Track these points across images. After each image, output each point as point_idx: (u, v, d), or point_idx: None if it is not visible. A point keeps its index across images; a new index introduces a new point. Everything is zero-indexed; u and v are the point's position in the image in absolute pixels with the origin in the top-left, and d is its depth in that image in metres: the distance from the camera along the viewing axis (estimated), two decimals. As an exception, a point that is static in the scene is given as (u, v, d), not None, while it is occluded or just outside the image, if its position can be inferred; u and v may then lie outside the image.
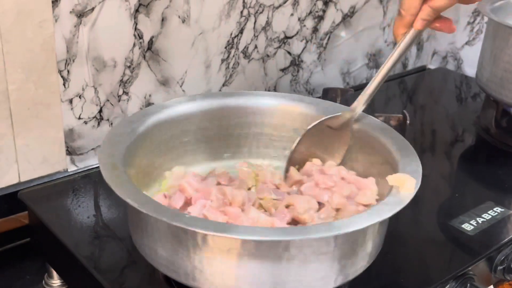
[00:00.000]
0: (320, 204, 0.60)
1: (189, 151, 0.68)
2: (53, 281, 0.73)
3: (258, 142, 0.71)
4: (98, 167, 0.79)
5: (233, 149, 0.71)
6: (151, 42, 0.81)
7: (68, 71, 0.75)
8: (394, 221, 0.69)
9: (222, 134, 0.70)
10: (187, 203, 0.59)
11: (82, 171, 0.80)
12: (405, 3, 0.58)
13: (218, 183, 0.62)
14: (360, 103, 0.65)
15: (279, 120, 0.70)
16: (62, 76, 0.75)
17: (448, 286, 0.64)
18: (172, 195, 0.60)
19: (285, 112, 0.70)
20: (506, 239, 0.70)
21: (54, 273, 0.73)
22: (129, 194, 0.50)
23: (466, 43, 1.19)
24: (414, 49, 1.22)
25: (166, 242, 0.51)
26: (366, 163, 0.65)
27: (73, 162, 0.81)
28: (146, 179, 0.63)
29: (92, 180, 0.79)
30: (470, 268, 0.65)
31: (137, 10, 0.78)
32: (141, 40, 0.80)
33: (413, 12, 0.58)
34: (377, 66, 1.15)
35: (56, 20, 0.72)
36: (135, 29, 0.79)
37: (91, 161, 0.82)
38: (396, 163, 0.59)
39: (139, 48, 0.80)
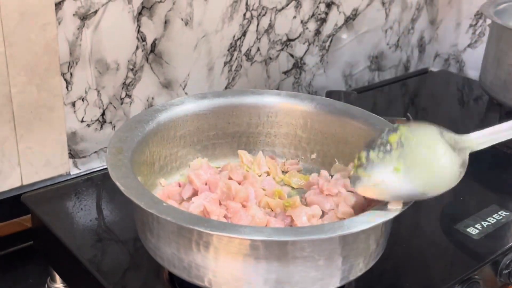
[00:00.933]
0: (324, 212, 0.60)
1: (216, 144, 0.68)
2: (56, 285, 0.73)
3: (264, 140, 0.70)
4: (100, 170, 0.80)
5: (261, 147, 0.70)
6: (154, 44, 0.81)
7: (71, 74, 0.75)
8: (397, 225, 0.69)
9: (229, 132, 0.69)
10: (195, 194, 0.60)
11: (84, 174, 0.80)
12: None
13: (230, 178, 0.63)
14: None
15: (283, 118, 0.69)
16: (65, 79, 0.75)
17: (453, 290, 0.64)
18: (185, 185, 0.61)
19: (290, 111, 0.69)
20: (511, 243, 0.70)
21: (57, 277, 0.73)
22: (120, 178, 0.50)
23: (469, 46, 1.19)
24: (416, 52, 1.22)
25: (175, 241, 0.51)
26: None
27: (75, 165, 0.81)
28: (168, 168, 0.64)
29: (94, 183, 0.79)
30: (475, 273, 0.65)
31: (140, 13, 0.78)
32: (144, 43, 0.80)
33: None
34: (379, 68, 1.15)
35: (59, 23, 0.72)
36: (138, 31, 0.79)
37: (93, 164, 0.82)
38: None
39: (142, 51, 0.80)
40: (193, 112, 0.66)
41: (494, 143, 0.56)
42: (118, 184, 0.51)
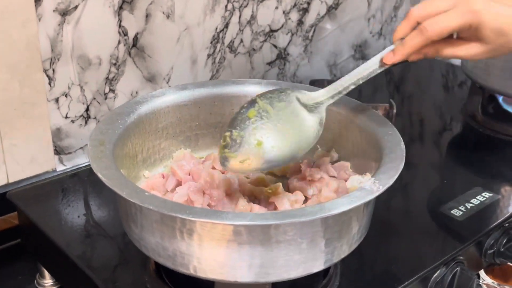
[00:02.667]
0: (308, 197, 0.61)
1: (199, 135, 0.69)
2: (45, 281, 0.73)
3: None
4: (86, 165, 0.81)
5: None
6: (136, 38, 0.81)
7: (53, 70, 0.75)
8: (384, 209, 0.71)
9: (211, 122, 0.69)
10: (179, 185, 0.60)
11: (70, 170, 0.80)
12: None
13: (213, 168, 0.63)
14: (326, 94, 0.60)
15: None
16: (47, 75, 0.75)
17: (438, 271, 0.65)
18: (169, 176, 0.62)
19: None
20: (495, 224, 0.71)
21: (46, 273, 0.73)
22: (101, 169, 0.51)
23: (452, 32, 1.19)
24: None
25: (160, 231, 0.51)
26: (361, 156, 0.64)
27: (61, 161, 0.81)
28: (151, 160, 0.65)
29: (81, 179, 0.79)
30: (460, 253, 0.66)
31: (120, 7, 0.78)
32: (125, 37, 0.80)
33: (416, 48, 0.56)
34: (363, 57, 1.16)
35: (39, 19, 0.72)
36: (120, 26, 0.79)
37: (79, 160, 0.82)
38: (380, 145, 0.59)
39: (124, 45, 0.81)
40: (174, 103, 0.66)
41: (344, 93, 0.59)
42: (99, 175, 0.51)
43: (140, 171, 0.64)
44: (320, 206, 0.49)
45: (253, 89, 0.69)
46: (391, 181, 0.51)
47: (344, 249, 0.53)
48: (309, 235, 0.50)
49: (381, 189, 0.50)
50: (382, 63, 0.59)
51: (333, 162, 0.66)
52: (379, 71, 0.59)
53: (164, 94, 0.66)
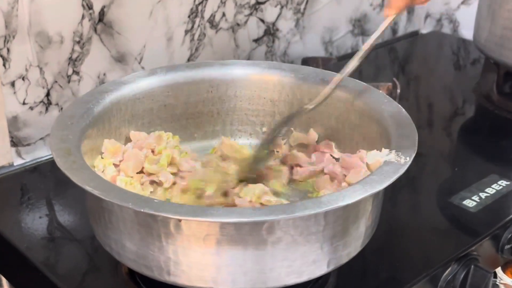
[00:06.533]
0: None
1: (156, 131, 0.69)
2: (3, 290, 0.73)
3: (232, 119, 0.72)
4: (48, 159, 0.80)
5: (205, 128, 0.72)
6: (102, 13, 0.81)
7: (8, 50, 0.75)
8: (391, 201, 0.71)
9: (190, 111, 0.71)
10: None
11: (30, 165, 0.80)
12: None
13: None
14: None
15: (254, 92, 0.71)
16: (1, 55, 0.75)
17: (449, 269, 0.65)
18: None
19: (261, 82, 0.71)
20: (513, 215, 0.71)
21: (4, 281, 0.72)
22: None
23: (462, 3, 1.20)
24: (404, 13, 1.23)
25: (134, 233, 0.52)
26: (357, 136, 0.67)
27: (19, 154, 0.80)
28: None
29: (42, 174, 0.79)
30: (473, 249, 0.67)
31: (84, -23, 0.78)
32: (90, 11, 0.80)
33: None
34: (363, 33, 1.16)
35: (-10, -9, 0.72)
36: (83, -2, 0.79)
37: (40, 153, 0.82)
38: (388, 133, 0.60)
39: (89, 20, 0.80)
40: (122, 98, 0.66)
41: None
42: (66, 172, 0.52)
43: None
44: (323, 199, 0.50)
45: (241, 71, 0.71)
46: (414, 151, 0.54)
47: (351, 249, 0.55)
48: (311, 232, 0.51)
49: (409, 160, 0.53)
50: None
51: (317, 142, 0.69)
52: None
53: (145, 77, 0.68)
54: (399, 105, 0.64)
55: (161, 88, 0.69)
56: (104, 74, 0.84)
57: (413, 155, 0.54)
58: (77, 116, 0.61)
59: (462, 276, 0.65)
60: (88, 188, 0.50)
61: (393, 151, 0.55)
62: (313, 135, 0.69)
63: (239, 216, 0.48)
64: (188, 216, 0.48)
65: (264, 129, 0.72)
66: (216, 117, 0.72)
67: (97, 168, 0.62)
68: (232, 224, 0.49)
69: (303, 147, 0.69)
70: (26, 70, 0.77)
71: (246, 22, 0.97)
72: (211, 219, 0.47)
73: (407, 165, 0.53)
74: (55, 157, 0.54)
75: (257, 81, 0.72)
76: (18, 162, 0.80)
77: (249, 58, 1.00)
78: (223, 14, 0.94)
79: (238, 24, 0.97)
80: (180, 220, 0.49)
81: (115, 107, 0.65)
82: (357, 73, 1.11)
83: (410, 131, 0.59)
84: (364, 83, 0.69)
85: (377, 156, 0.59)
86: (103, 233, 0.56)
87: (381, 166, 0.54)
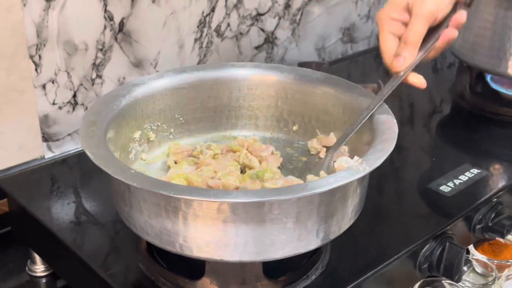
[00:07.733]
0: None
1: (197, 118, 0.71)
2: (37, 267, 0.76)
3: (237, 114, 0.74)
4: (75, 152, 0.83)
5: (243, 121, 0.74)
6: (122, 23, 0.84)
7: (39, 56, 0.79)
8: (375, 188, 0.74)
9: (231, 105, 0.72)
10: None
11: (59, 157, 0.83)
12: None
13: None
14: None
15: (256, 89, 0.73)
16: (33, 62, 0.78)
17: (428, 245, 0.69)
18: None
19: (262, 81, 0.73)
20: (483, 199, 0.75)
21: (38, 259, 0.76)
22: (91, 148, 0.54)
23: (440, 13, 1.23)
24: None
25: (153, 212, 0.54)
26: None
27: (49, 148, 0.84)
28: (149, 143, 0.69)
29: (70, 166, 0.82)
30: (448, 228, 0.71)
31: (106, -8, 0.82)
32: (111, 22, 0.83)
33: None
34: (351, 40, 1.20)
35: (24, 5, 0.75)
36: (105, 10, 0.82)
37: (68, 147, 0.85)
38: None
39: (110, 30, 0.84)
40: (171, 86, 0.69)
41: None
42: (88, 153, 0.54)
43: (138, 154, 0.67)
44: (303, 185, 0.52)
45: (251, 72, 0.73)
46: (378, 163, 0.54)
47: (334, 230, 0.57)
48: (294, 214, 0.53)
49: (367, 169, 0.53)
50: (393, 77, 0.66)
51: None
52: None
53: (162, 77, 0.69)
54: (384, 104, 0.67)
55: (186, 84, 0.70)
56: (124, 78, 0.88)
57: (376, 166, 0.54)
58: (103, 113, 0.62)
59: (438, 252, 0.68)
60: (108, 171, 0.52)
61: (359, 160, 0.55)
62: (333, 138, 0.70)
63: (236, 197, 0.50)
64: (198, 197, 0.50)
65: (267, 123, 0.74)
66: (230, 111, 0.73)
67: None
68: (239, 203, 0.51)
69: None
70: (55, 74, 0.81)
71: (248, 31, 1.01)
72: (217, 199, 0.50)
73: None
74: (82, 141, 0.56)
75: (259, 80, 0.73)
76: (48, 155, 0.84)
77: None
78: (228, 24, 0.97)
79: (241, 33, 1.00)
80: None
81: (142, 100, 0.67)
82: (346, 77, 1.14)
83: (389, 139, 0.59)
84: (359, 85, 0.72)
85: (344, 163, 0.62)
86: (128, 214, 0.58)
87: (344, 169, 0.55)
